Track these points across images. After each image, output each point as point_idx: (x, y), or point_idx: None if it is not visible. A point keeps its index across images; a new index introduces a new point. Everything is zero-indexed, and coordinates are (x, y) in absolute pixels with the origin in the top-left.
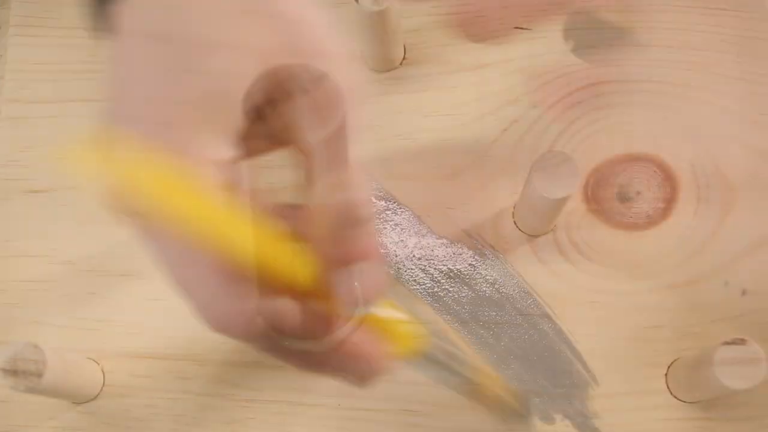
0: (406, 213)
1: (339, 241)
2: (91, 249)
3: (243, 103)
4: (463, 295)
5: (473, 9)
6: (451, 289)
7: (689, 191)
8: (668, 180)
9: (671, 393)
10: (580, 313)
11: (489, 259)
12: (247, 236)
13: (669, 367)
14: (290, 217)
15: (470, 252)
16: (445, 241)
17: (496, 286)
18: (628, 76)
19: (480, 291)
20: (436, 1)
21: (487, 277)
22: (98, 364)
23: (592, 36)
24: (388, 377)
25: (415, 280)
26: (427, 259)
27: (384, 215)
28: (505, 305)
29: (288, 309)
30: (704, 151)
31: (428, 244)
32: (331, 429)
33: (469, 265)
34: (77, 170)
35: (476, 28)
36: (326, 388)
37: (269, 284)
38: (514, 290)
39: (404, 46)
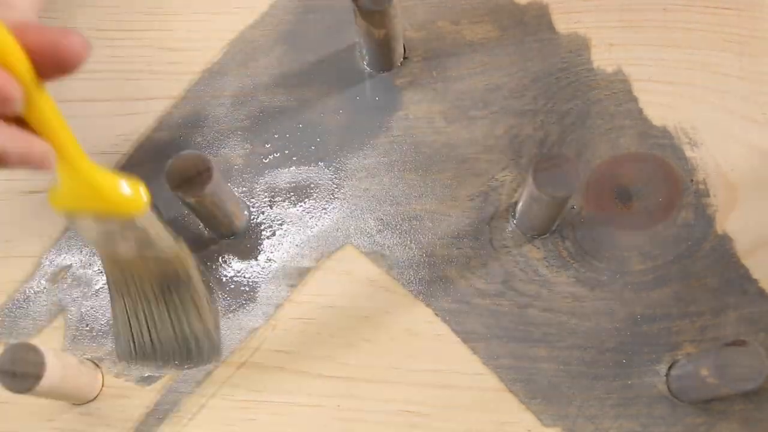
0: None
1: None
2: (91, 249)
3: None
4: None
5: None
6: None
7: (689, 191)
8: (668, 180)
9: (671, 393)
10: (579, 311)
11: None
12: None
13: (669, 367)
14: None
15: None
16: (445, 240)
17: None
18: (629, 76)
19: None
20: None
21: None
22: (97, 365)
23: (593, 36)
24: (387, 378)
25: (414, 279)
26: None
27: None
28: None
29: None
30: (704, 150)
31: (428, 243)
32: (331, 429)
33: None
34: None
35: (478, 28)
36: (326, 388)
37: None
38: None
39: (404, 46)
